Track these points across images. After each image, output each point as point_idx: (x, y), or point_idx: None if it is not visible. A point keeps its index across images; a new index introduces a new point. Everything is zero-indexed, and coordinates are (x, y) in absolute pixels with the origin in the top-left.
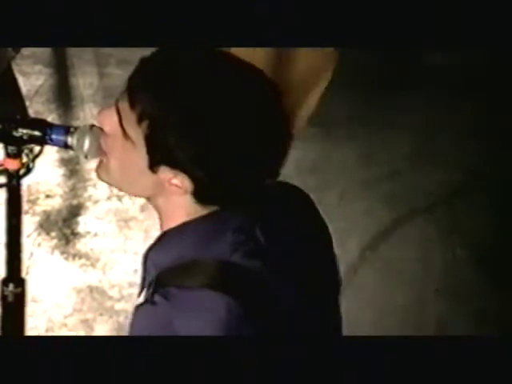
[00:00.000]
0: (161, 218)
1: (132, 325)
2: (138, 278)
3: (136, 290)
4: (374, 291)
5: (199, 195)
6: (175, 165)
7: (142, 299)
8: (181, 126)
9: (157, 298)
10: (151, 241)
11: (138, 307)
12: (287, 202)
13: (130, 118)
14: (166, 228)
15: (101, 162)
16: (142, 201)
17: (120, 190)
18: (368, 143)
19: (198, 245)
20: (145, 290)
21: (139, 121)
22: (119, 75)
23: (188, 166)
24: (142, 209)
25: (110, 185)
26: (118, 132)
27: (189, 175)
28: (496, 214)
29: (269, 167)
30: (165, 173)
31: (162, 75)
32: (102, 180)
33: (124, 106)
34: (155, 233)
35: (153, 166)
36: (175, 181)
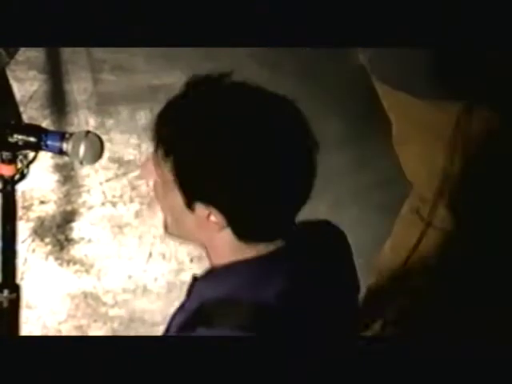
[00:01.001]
0: (209, 257)
1: None
2: (132, 284)
3: (130, 295)
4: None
5: (237, 230)
6: (207, 200)
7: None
8: (206, 160)
9: (200, 330)
10: (145, 247)
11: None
12: (325, 244)
13: (161, 160)
14: (214, 262)
15: (165, 224)
16: (137, 207)
17: (185, 240)
18: (359, 151)
19: (246, 287)
20: (182, 311)
21: (166, 156)
22: (113, 81)
23: (219, 201)
24: (137, 215)
25: (179, 238)
26: (158, 179)
27: (222, 211)
28: None
29: (297, 198)
30: (201, 209)
31: (182, 109)
32: (171, 236)
33: (156, 151)
34: (149, 239)
35: (188, 204)
36: (212, 217)
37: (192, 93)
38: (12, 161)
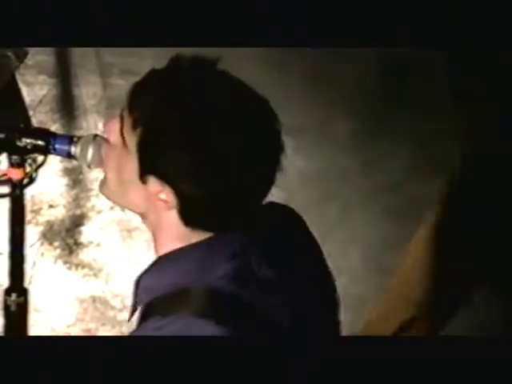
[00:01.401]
0: (154, 242)
1: None
2: None
3: None
4: (376, 301)
5: (185, 215)
6: (163, 176)
7: (132, 324)
8: (173, 136)
9: (143, 326)
10: (154, 250)
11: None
12: (279, 224)
13: (128, 124)
14: (159, 253)
15: (103, 180)
16: None
17: (116, 203)
18: (370, 154)
19: (191, 272)
20: (135, 315)
21: (134, 126)
22: (122, 85)
23: (175, 179)
24: None
25: (108, 199)
26: (118, 140)
27: (175, 190)
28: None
29: (260, 192)
30: (153, 185)
31: (164, 83)
32: (103, 194)
33: (125, 113)
34: None
35: (142, 175)
36: (163, 195)
37: (175, 69)
38: (21, 164)
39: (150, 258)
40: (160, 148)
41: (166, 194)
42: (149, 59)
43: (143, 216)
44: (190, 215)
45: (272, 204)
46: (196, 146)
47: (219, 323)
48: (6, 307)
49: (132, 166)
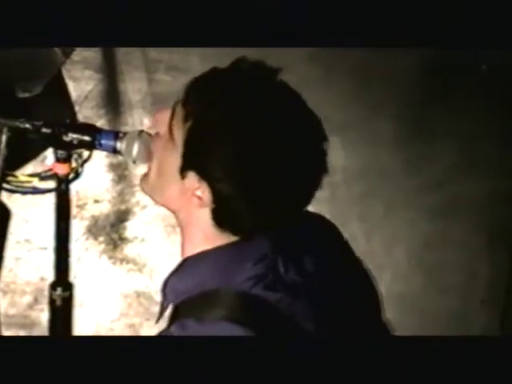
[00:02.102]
0: (182, 241)
1: None
2: None
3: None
4: (419, 299)
5: (218, 215)
6: (203, 172)
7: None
8: (222, 134)
9: (173, 328)
10: None
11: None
12: (309, 230)
13: (179, 116)
14: (185, 253)
15: (145, 175)
16: None
17: (153, 199)
18: (412, 153)
19: (218, 275)
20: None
21: (185, 119)
22: (168, 81)
23: (215, 178)
24: None
25: (147, 194)
26: (165, 132)
27: (213, 189)
28: None
29: (295, 205)
30: (191, 181)
31: (223, 82)
32: (142, 189)
33: (179, 106)
34: None
35: (183, 169)
36: (199, 192)
37: (236, 71)
38: (67, 160)
39: None
40: (206, 144)
41: (203, 192)
42: (194, 55)
43: (176, 213)
44: (222, 216)
45: (305, 212)
46: (243, 148)
47: (247, 327)
48: (52, 301)
49: (174, 159)
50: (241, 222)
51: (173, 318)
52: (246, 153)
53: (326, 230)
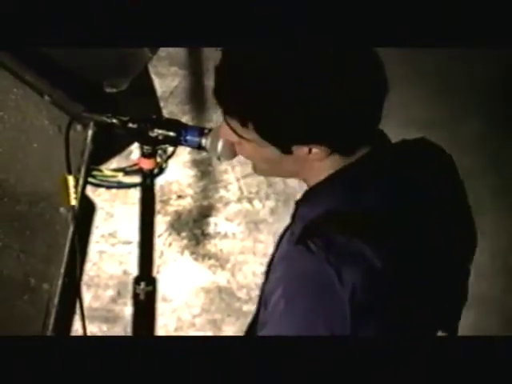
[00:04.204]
0: (305, 178)
1: (283, 259)
2: None
3: None
4: (502, 301)
5: (335, 149)
6: (305, 142)
7: (287, 239)
8: (286, 110)
9: (313, 246)
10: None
11: (292, 247)
12: (426, 161)
13: (237, 126)
14: (310, 181)
15: (253, 166)
16: (273, 203)
17: (275, 176)
18: (495, 154)
19: (343, 197)
20: (290, 233)
21: (243, 125)
22: None
23: (316, 137)
24: (272, 212)
25: (271, 176)
26: (240, 140)
27: (320, 143)
28: None
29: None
30: (300, 150)
31: (243, 76)
32: (258, 174)
33: (227, 118)
34: None
35: (285, 151)
36: (315, 149)
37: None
38: (152, 155)
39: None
40: (284, 128)
41: (317, 148)
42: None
43: (299, 176)
44: (340, 147)
45: (422, 140)
46: (306, 102)
47: (375, 246)
48: (135, 296)
49: (270, 150)
50: (353, 143)
51: (306, 235)
52: (311, 103)
53: (440, 162)
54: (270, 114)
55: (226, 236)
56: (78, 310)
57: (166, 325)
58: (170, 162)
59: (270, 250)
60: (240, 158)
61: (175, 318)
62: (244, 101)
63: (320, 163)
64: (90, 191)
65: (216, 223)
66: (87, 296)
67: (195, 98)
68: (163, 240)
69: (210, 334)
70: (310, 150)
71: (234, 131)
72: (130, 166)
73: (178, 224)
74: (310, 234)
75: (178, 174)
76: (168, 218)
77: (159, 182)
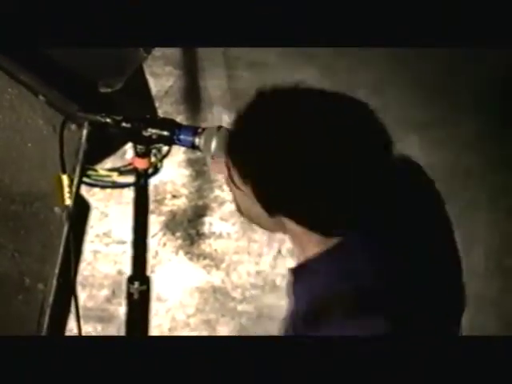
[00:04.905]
0: (293, 244)
1: None
2: (260, 281)
3: (258, 291)
4: (498, 302)
5: (315, 231)
6: (288, 216)
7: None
8: (289, 184)
9: (324, 329)
10: (274, 244)
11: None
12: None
13: (236, 176)
14: (300, 257)
15: (236, 205)
16: None
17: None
18: (494, 154)
19: (336, 278)
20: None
21: (243, 178)
22: (248, 78)
23: (298, 216)
24: None
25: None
26: (233, 185)
27: (300, 223)
28: None
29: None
30: (284, 220)
31: (257, 132)
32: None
33: (230, 164)
34: (279, 236)
35: (270, 214)
36: (293, 225)
37: (267, 121)
38: (146, 154)
39: (270, 250)
40: (281, 197)
41: (296, 224)
42: (273, 52)
43: (282, 232)
44: (320, 231)
45: (404, 159)
46: (313, 183)
47: (386, 319)
48: (129, 295)
49: (255, 204)
50: (336, 230)
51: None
52: (315, 185)
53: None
54: (273, 179)
55: (220, 236)
56: (73, 310)
57: (160, 325)
58: (165, 161)
59: (265, 249)
60: None
61: (169, 317)
62: (258, 166)
63: (303, 235)
64: (84, 191)
65: (211, 223)
66: (82, 296)
67: (190, 97)
68: (158, 240)
69: (204, 333)
70: (290, 222)
71: (231, 177)
72: (125, 166)
73: (172, 224)
74: (318, 315)
75: (173, 173)
76: (163, 218)
77: (154, 181)
